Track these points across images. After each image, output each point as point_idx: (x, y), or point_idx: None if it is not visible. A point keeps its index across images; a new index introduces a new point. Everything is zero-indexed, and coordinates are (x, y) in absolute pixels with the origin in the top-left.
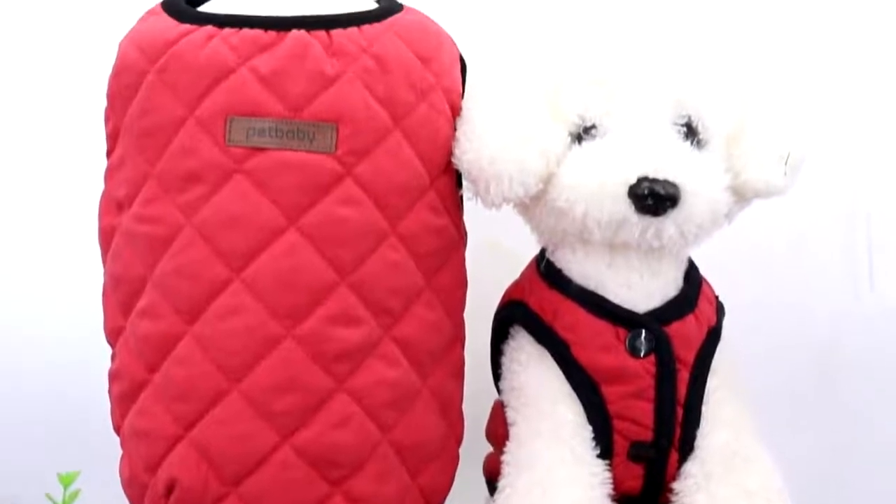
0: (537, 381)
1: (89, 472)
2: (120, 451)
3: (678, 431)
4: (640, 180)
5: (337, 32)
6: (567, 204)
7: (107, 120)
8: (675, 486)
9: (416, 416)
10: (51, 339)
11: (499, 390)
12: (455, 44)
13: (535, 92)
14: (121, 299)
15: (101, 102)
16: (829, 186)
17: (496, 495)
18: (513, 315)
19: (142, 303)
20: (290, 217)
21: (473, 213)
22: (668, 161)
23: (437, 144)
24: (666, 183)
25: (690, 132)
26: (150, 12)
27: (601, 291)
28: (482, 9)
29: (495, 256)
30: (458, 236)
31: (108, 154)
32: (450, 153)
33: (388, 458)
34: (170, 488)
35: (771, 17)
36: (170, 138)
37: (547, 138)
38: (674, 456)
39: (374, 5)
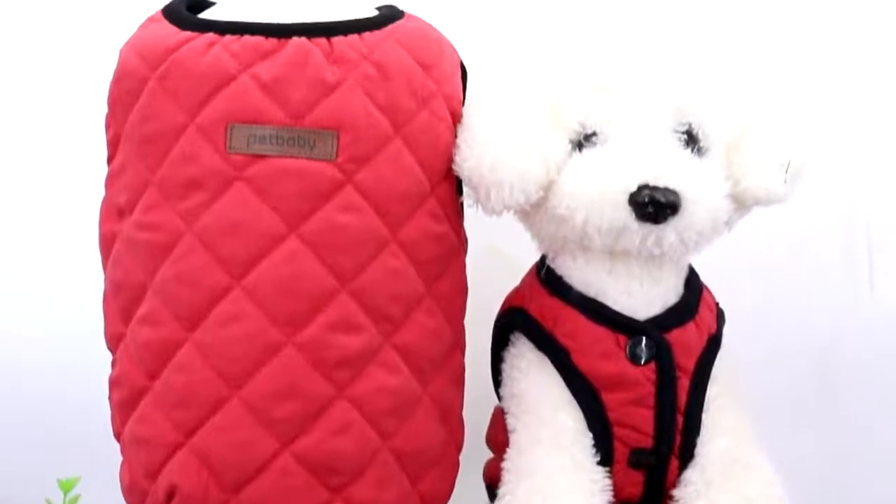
0: (537, 387)
1: (89, 477)
2: (120, 457)
3: (678, 439)
4: (641, 188)
5: (338, 40)
6: (567, 211)
7: (107, 126)
8: (676, 493)
9: (417, 422)
10: (51, 343)
11: (499, 397)
12: (456, 51)
13: (535, 99)
14: (121, 306)
15: (102, 109)
16: (829, 191)
17: (496, 502)
18: (513, 322)
19: (142, 310)
20: (291, 224)
21: (474, 219)
22: (669, 169)
23: (437, 151)
24: (666, 191)
25: (691, 140)
26: (151, 19)
27: (601, 298)
28: (483, 16)
29: (495, 263)
30: (459, 243)
31: (109, 160)
32: (450, 160)
33: (388, 464)
34: (170, 495)
35: (770, 24)
36: (170, 145)
37: (547, 146)
38: (674, 463)
39: (376, 12)
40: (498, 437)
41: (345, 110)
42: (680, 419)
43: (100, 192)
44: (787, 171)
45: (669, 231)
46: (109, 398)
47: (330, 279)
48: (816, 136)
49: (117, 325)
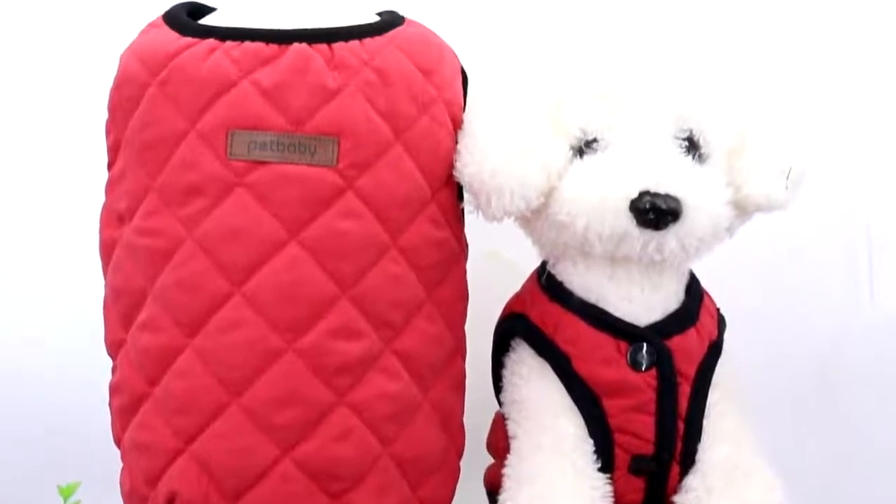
0: (538, 394)
1: (89, 483)
2: (120, 463)
3: (679, 445)
4: (642, 194)
5: (339, 46)
6: (568, 218)
7: (108, 132)
8: (676, 499)
9: (417, 429)
10: (51, 349)
11: (500, 403)
12: (457, 56)
13: (536, 105)
14: (121, 312)
15: (103, 114)
16: (829, 197)
17: None
18: (514, 328)
19: (142, 316)
20: (291, 230)
21: (474, 225)
22: (670, 175)
23: (438, 157)
24: (667, 197)
25: (692, 146)
26: (152, 25)
27: (602, 304)
28: (484, 21)
29: (496, 269)
30: (459, 249)
31: (109, 166)
32: (451, 166)
33: (388, 471)
34: (170, 501)
35: (770, 31)
36: (171, 151)
37: (548, 152)
38: (675, 469)
39: (376, 18)
40: (499, 443)
41: (345, 116)
42: (681, 425)
43: (100, 198)
44: (787, 178)
45: (670, 237)
46: (110, 404)
47: (330, 285)
48: (817, 143)
49: (117, 331)
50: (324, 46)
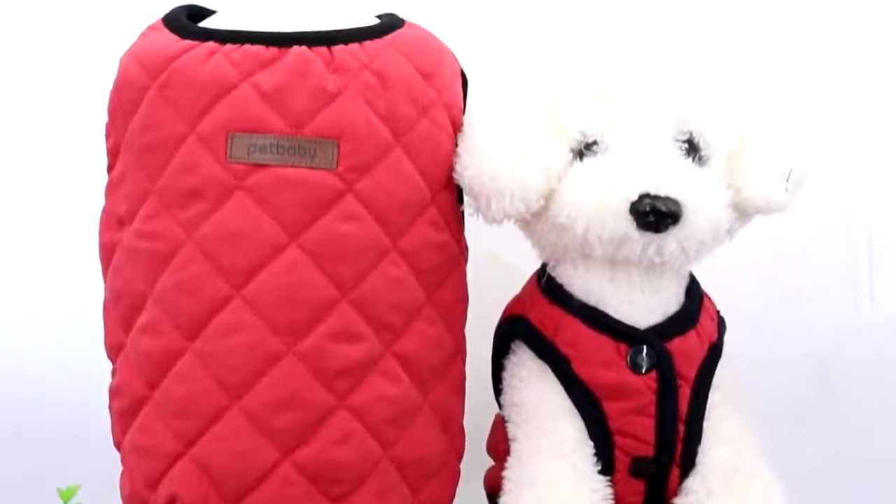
0: (538, 396)
1: (90, 486)
2: (120, 466)
3: (679, 447)
4: (642, 197)
5: (338, 48)
6: (568, 220)
7: (107, 135)
8: (677, 501)
9: (417, 431)
10: (51, 352)
11: (500, 405)
12: (456, 59)
13: (536, 108)
14: (121, 315)
15: (103, 117)
16: (829, 199)
17: None
18: (514, 330)
19: (142, 319)
20: (291, 233)
21: (474, 228)
22: (670, 178)
23: (438, 160)
24: (667, 200)
25: (692, 149)
26: (151, 27)
27: (602, 307)
28: (484, 24)
29: (496, 271)
30: (459, 251)
31: (109, 169)
32: (451, 169)
33: (389, 474)
34: None
35: (771, 33)
36: (171, 154)
37: (548, 154)
38: (675, 472)
39: (376, 21)
40: (499, 446)
41: (345, 119)
42: (681, 428)
43: (100, 201)
44: (787, 180)
45: (670, 240)
46: (110, 407)
47: (330, 288)
48: (817, 145)
49: (117, 335)
50: (324, 49)
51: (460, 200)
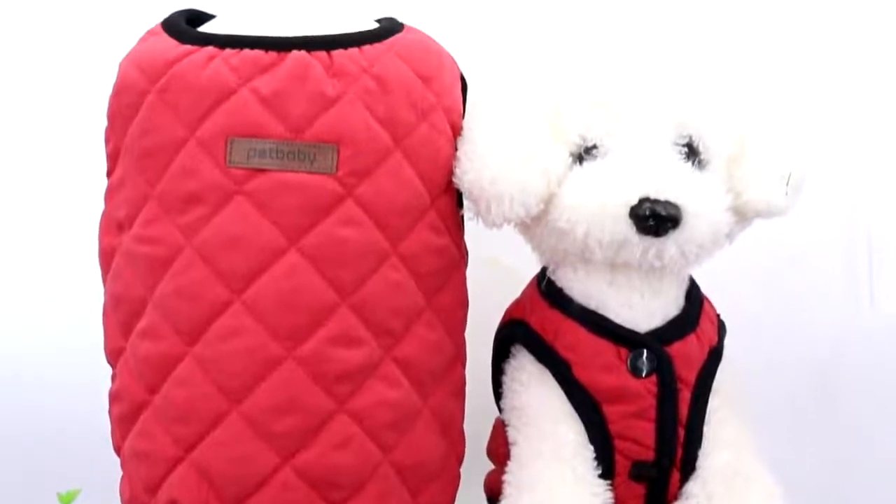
0: (538, 400)
1: (89, 491)
2: (120, 471)
3: (680, 451)
4: (642, 201)
5: (338, 53)
6: (568, 224)
7: (107, 140)
8: None
9: (417, 436)
10: (51, 356)
11: (500, 409)
12: (456, 63)
13: (536, 112)
14: (121, 320)
15: (102, 122)
16: (830, 203)
17: None
18: (514, 334)
19: (142, 324)
20: (291, 238)
21: (474, 232)
22: (670, 182)
23: (437, 164)
24: (667, 204)
25: (692, 153)
26: (151, 32)
27: (602, 311)
28: (484, 28)
29: (496, 275)
30: (459, 256)
31: (109, 174)
32: (450, 173)
33: (389, 478)
34: None
35: (770, 37)
36: (170, 159)
37: (548, 158)
38: (675, 476)
39: (375, 25)
40: (499, 450)
41: (345, 124)
42: (681, 432)
43: (99, 206)
44: (787, 184)
45: (670, 244)
46: (109, 412)
47: (330, 293)
48: (817, 148)
49: (117, 339)
50: (323, 54)
51: (460, 204)
